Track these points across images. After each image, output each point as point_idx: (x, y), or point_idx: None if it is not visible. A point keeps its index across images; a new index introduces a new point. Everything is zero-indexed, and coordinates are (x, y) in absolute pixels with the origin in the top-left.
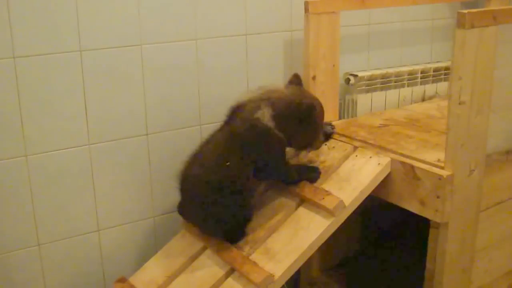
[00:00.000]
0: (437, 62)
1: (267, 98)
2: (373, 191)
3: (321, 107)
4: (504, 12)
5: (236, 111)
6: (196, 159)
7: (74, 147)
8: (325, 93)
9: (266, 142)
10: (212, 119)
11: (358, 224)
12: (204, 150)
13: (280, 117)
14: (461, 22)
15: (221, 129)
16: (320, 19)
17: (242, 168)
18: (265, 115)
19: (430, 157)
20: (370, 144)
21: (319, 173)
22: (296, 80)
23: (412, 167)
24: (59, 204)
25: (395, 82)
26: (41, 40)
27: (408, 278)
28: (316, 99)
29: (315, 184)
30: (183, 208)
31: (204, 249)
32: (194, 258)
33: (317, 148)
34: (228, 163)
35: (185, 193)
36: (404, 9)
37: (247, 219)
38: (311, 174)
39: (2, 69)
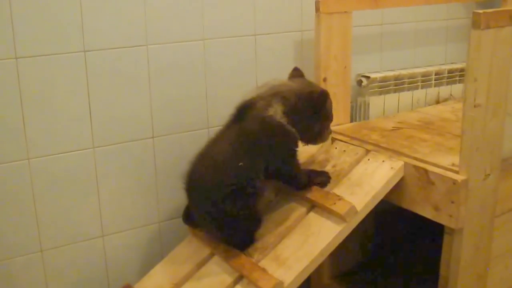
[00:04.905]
0: (452, 63)
1: (277, 93)
2: (386, 196)
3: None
4: None
5: (245, 109)
6: (204, 158)
7: (78, 150)
8: (336, 95)
9: (279, 139)
10: (220, 122)
11: (370, 230)
12: (213, 149)
13: (292, 111)
14: (476, 23)
15: (229, 127)
16: (332, 19)
17: (253, 168)
18: (277, 112)
19: (444, 161)
20: (383, 147)
21: (329, 177)
22: (297, 73)
23: (426, 171)
24: (62, 208)
25: (408, 84)
26: (43, 40)
27: (422, 285)
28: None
29: (326, 189)
30: (189, 211)
31: (211, 255)
32: (201, 264)
33: (326, 139)
34: (241, 163)
35: (192, 193)
36: (418, 9)
37: (256, 224)
38: (321, 178)
39: (4, 70)
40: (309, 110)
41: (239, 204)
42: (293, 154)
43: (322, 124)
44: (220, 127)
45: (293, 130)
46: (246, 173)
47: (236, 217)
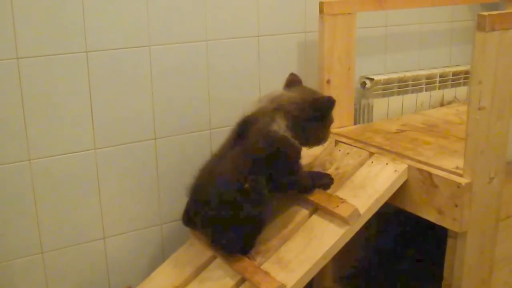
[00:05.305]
0: (456, 65)
1: (279, 107)
2: (389, 198)
3: None
4: None
5: (249, 125)
6: (211, 176)
7: (79, 152)
8: (340, 97)
9: (284, 154)
10: (223, 124)
11: (373, 233)
12: (219, 166)
13: (297, 123)
14: (481, 25)
15: (235, 144)
16: (336, 21)
17: (259, 184)
18: (280, 126)
19: (448, 164)
20: (386, 150)
21: (332, 179)
22: (295, 79)
23: (430, 174)
24: (63, 210)
25: (412, 86)
26: (45, 40)
27: None
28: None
29: (329, 192)
30: (189, 213)
31: (213, 258)
32: (203, 267)
33: (327, 140)
34: (247, 185)
35: (196, 207)
36: (423, 10)
37: (258, 232)
38: (324, 180)
39: (5, 70)
40: (314, 118)
41: (244, 216)
42: (297, 165)
43: (326, 129)
44: (222, 129)
45: (296, 142)
46: (251, 191)
47: (240, 230)
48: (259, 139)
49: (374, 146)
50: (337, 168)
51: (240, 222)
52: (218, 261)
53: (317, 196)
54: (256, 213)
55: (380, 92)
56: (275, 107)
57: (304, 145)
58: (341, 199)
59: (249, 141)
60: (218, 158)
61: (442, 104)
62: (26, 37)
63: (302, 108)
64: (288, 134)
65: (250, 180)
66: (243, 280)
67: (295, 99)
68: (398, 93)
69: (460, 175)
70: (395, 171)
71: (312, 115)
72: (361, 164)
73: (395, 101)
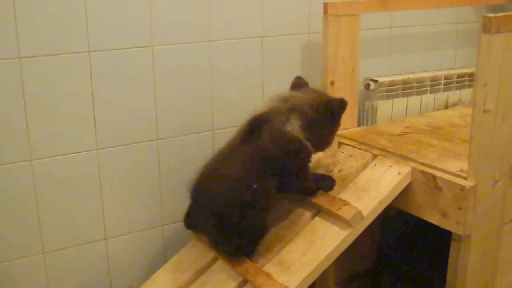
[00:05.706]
0: (461, 68)
1: (294, 107)
2: (393, 201)
3: None
4: None
5: (261, 123)
6: (216, 172)
7: (81, 152)
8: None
9: (297, 156)
10: (225, 124)
11: (376, 235)
12: (226, 163)
13: (310, 124)
14: (486, 27)
15: (242, 142)
16: (340, 22)
17: (267, 185)
18: (294, 127)
19: (452, 166)
20: (390, 152)
21: (334, 181)
22: (301, 82)
23: (434, 177)
24: (65, 211)
25: (417, 88)
26: (47, 40)
27: None
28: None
29: (332, 194)
30: (192, 220)
31: (215, 259)
32: (204, 269)
33: (330, 146)
34: (256, 186)
35: (200, 207)
36: (427, 12)
37: (263, 235)
38: (326, 182)
39: (7, 70)
40: (326, 120)
41: (250, 219)
42: (307, 168)
43: (334, 133)
44: (225, 130)
45: (308, 144)
46: (259, 191)
47: (244, 230)
48: (273, 139)
49: (378, 148)
50: (340, 170)
51: (245, 226)
52: (220, 263)
53: (320, 198)
54: (262, 217)
55: (384, 94)
56: (290, 107)
57: (313, 149)
58: (344, 201)
59: (261, 140)
60: (224, 155)
61: (446, 107)
62: (28, 36)
63: (316, 109)
64: (301, 136)
65: (260, 181)
66: (245, 282)
67: (308, 100)
68: (403, 95)
69: (464, 178)
70: (399, 173)
71: (325, 116)
72: (364, 166)
73: (399, 103)
